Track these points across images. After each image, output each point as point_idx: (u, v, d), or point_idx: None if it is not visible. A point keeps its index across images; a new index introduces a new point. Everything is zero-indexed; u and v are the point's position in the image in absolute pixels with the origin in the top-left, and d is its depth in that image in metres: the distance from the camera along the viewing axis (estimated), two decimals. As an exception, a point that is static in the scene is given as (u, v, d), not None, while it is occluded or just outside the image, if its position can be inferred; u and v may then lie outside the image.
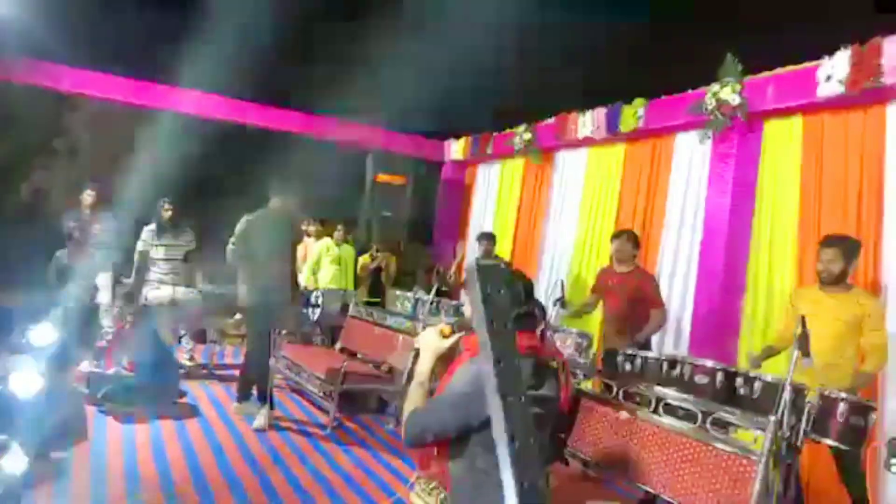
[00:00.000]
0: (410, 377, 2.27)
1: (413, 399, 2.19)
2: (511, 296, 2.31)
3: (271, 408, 5.19)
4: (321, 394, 5.46)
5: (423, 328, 2.88)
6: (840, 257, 3.83)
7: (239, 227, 5.22)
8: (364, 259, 8.19)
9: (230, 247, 5.25)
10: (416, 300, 6.31)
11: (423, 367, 2.22)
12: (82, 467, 3.87)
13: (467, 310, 2.41)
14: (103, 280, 6.68)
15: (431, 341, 2.23)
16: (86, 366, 5.43)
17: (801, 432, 2.84)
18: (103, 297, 6.70)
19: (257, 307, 5.19)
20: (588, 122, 6.79)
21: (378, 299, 7.79)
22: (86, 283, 6.50)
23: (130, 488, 3.68)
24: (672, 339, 5.78)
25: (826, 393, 3.02)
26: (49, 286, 6.49)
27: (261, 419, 5.03)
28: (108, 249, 6.95)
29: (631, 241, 5.20)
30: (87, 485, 3.66)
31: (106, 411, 4.91)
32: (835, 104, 4.70)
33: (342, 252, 7.83)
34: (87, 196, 7.08)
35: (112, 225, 7.08)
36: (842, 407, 2.95)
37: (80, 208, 7.07)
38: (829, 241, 3.94)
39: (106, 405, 4.96)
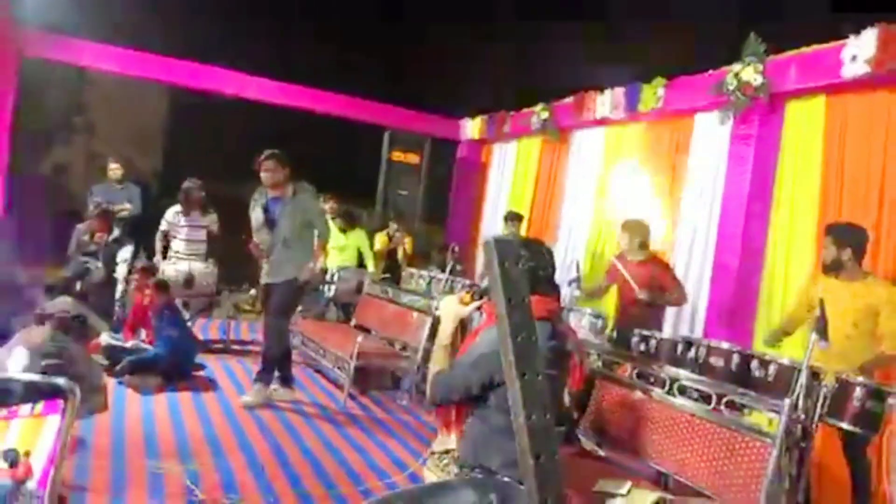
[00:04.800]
0: (431, 342, 2.41)
1: (437, 361, 2.35)
2: (535, 261, 2.37)
3: (290, 386, 5.22)
4: (335, 369, 5.52)
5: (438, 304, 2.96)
6: (831, 244, 3.82)
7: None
8: (382, 238, 8.17)
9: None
10: (431, 278, 6.33)
11: (446, 331, 2.39)
12: (102, 437, 3.95)
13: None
14: (124, 254, 6.76)
15: (452, 307, 2.42)
16: (105, 338, 5.51)
17: (817, 416, 2.82)
18: (122, 270, 6.79)
19: (266, 286, 5.14)
20: (607, 101, 6.72)
21: (392, 277, 7.77)
22: (105, 257, 6.59)
23: (149, 457, 3.75)
24: (687, 323, 5.75)
25: (843, 377, 2.99)
26: (70, 259, 6.59)
27: (251, 395, 4.96)
28: (131, 223, 7.05)
29: (634, 233, 5.08)
30: (108, 454, 3.73)
31: (125, 383, 5.00)
32: (860, 85, 4.60)
33: (349, 240, 7.53)
34: (112, 171, 7.16)
35: (136, 199, 7.18)
36: (858, 391, 2.92)
37: (106, 182, 7.15)
38: (826, 229, 3.97)
39: (125, 377, 5.04)
